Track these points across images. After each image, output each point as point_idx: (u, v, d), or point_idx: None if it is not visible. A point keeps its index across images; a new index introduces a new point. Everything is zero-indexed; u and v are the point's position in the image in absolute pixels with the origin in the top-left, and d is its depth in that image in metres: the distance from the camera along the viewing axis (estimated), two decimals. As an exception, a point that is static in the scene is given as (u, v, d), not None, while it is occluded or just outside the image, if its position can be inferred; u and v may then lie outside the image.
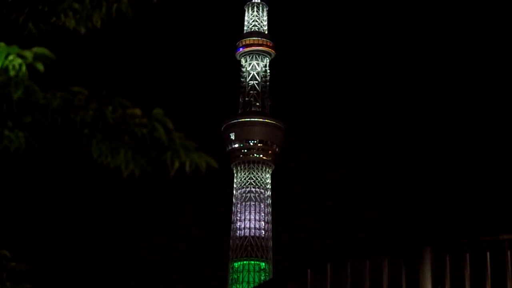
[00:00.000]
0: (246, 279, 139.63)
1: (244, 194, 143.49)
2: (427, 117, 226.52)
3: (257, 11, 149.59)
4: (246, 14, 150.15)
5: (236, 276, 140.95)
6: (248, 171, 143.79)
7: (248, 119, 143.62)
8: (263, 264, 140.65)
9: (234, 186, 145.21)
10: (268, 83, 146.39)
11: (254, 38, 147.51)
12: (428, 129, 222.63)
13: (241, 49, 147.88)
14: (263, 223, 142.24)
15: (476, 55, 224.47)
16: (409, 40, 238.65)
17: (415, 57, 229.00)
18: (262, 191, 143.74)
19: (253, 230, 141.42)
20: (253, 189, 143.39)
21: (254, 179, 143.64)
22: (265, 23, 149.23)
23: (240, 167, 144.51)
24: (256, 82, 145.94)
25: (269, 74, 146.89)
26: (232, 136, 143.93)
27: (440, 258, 11.05)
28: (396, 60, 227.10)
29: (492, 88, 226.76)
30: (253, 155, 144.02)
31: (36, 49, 5.16)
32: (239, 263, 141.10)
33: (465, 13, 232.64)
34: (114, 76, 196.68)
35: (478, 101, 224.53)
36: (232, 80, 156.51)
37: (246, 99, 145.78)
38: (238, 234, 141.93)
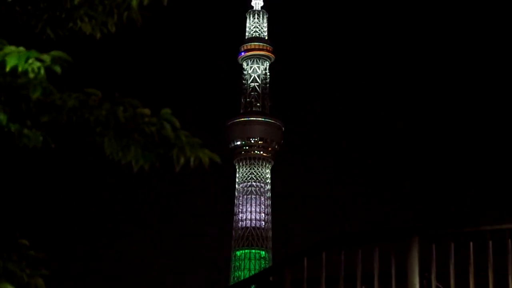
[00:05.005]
0: (247, 266, 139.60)
1: (245, 188, 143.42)
2: (422, 116, 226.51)
3: (257, 18, 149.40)
4: (248, 21, 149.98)
5: (238, 264, 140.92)
6: (249, 167, 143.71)
7: (249, 119, 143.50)
8: (263, 252, 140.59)
9: (236, 180, 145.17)
10: (268, 85, 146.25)
11: (255, 43, 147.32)
12: (422, 127, 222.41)
13: (243, 53, 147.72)
14: (263, 214, 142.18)
15: (476, 54, 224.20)
16: (407, 42, 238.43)
17: (413, 59, 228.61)
18: (262, 185, 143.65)
19: (254, 221, 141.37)
20: (254, 183, 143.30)
21: (255, 174, 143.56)
22: (265, 29, 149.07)
23: (242, 163, 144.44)
24: (257, 84, 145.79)
25: (269, 76, 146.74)
26: (235, 134, 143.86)
27: (427, 247, 11.04)
28: (393, 60, 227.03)
29: (478, 83, 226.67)
30: (254, 151, 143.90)
31: (54, 53, 5.16)
32: (241, 251, 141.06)
33: (465, 13, 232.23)
34: (125, 78, 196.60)
35: (466, 96, 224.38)
36: (235, 82, 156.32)
37: (248, 99, 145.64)
38: (240, 225, 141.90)
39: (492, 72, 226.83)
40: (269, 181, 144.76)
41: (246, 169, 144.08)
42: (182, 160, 5.32)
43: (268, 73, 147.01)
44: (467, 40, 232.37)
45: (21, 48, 5.14)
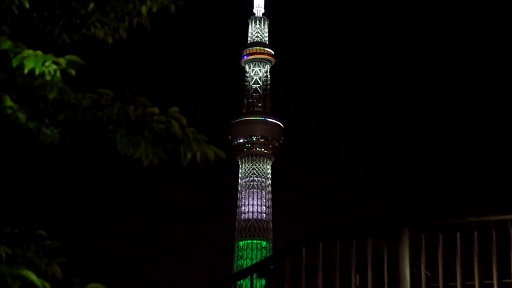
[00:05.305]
0: (249, 256, 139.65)
1: (248, 183, 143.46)
2: (420, 115, 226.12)
3: (259, 24, 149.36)
4: (250, 26, 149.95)
5: (241, 253, 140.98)
6: (251, 163, 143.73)
7: (252, 118, 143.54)
8: (264, 243, 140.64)
9: (239, 175, 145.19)
10: (268, 86, 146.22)
11: (257, 47, 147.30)
12: (419, 127, 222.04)
13: (245, 57, 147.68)
14: (264, 207, 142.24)
15: (475, 53, 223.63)
16: (407, 42, 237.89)
17: (411, 59, 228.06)
18: (264, 180, 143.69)
19: (255, 214, 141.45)
20: (255, 178, 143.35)
21: (257, 169, 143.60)
22: (266, 34, 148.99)
23: (245, 159, 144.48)
24: (259, 86, 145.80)
25: (269, 79, 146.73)
26: (238, 133, 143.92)
27: (417, 238, 11.06)
28: (392, 59, 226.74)
29: (471, 82, 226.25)
30: (255, 149, 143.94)
31: (69, 57, 5.18)
32: (243, 242, 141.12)
33: (465, 13, 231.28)
34: (135, 79, 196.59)
35: (462, 94, 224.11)
36: (238, 84, 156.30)
37: (250, 100, 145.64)
38: (242, 217, 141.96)
39: (479, 73, 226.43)
40: (270, 176, 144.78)
41: (249, 165, 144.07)
42: (189, 155, 5.33)
43: (269, 76, 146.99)
44: (467, 39, 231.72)
45: (39, 52, 5.16)
